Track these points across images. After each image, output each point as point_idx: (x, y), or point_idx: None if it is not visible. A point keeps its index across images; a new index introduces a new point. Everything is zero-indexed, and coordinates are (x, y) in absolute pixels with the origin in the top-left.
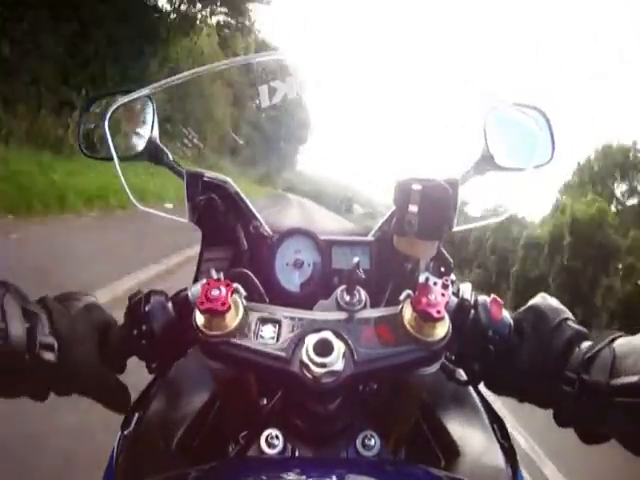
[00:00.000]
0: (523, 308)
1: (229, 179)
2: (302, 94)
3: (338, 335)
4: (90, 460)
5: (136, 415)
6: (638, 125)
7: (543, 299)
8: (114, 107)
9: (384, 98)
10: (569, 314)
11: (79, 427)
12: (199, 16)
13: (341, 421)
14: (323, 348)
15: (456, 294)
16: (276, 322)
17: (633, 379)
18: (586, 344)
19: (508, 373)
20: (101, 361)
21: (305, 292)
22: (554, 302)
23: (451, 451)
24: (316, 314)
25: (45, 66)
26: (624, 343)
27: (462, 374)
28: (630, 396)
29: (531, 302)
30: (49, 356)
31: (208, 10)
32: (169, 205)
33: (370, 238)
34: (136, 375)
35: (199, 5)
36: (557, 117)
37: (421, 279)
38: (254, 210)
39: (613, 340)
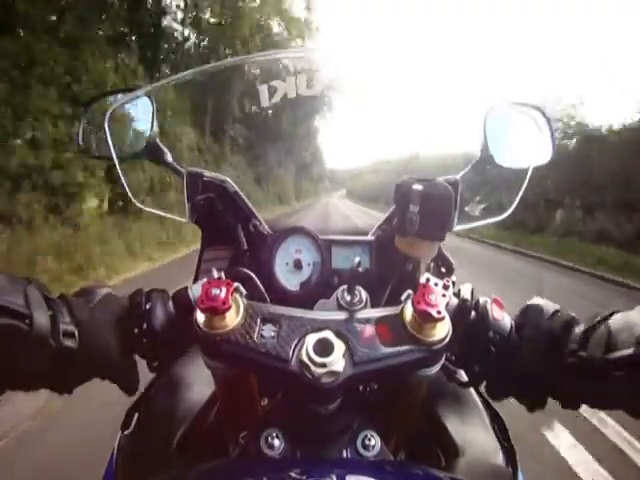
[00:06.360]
0: (520, 309)
1: (228, 178)
2: (303, 93)
3: (338, 335)
4: None
5: (136, 415)
6: None
7: (538, 300)
8: (114, 106)
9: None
10: (563, 309)
11: None
12: None
13: (341, 421)
14: (323, 348)
15: (457, 295)
16: (276, 321)
17: (628, 352)
18: (582, 326)
19: (509, 373)
20: (119, 345)
21: (305, 292)
22: (549, 302)
23: (451, 451)
24: (316, 313)
25: None
26: (619, 318)
27: (463, 375)
28: (627, 369)
29: (527, 303)
30: (71, 343)
31: None
32: None
33: (370, 237)
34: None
35: None
36: None
37: (422, 280)
38: (254, 209)
39: (609, 316)
